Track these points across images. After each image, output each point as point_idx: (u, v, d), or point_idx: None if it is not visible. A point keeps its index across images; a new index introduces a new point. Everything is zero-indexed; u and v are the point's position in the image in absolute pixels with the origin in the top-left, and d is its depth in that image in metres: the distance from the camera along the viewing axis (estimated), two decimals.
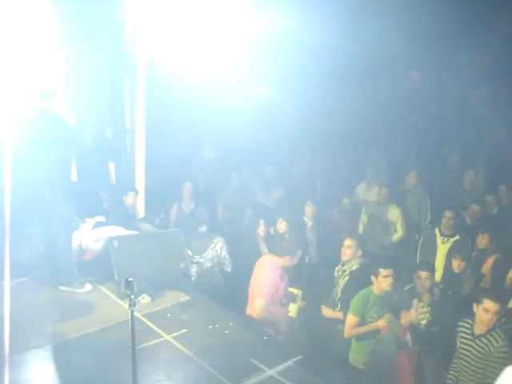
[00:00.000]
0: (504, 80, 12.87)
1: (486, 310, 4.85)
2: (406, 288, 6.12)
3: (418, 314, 5.23)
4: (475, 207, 7.91)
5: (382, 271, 5.69)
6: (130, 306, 3.48)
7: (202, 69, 8.73)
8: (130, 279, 3.41)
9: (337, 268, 6.35)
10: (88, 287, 6.36)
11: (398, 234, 8.27)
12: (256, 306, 5.80)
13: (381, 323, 5.46)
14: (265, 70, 10.53)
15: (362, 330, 5.64)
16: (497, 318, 4.89)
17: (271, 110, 11.22)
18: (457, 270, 6.66)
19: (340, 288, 6.14)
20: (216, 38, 8.28)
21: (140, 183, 8.28)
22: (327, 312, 6.21)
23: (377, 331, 5.45)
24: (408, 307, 5.16)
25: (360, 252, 6.26)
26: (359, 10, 10.58)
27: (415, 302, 5.21)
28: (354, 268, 6.19)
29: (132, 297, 3.44)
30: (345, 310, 5.87)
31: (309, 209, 8.12)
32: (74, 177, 7.88)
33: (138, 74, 8.15)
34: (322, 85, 11.29)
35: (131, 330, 3.38)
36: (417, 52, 12.36)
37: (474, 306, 4.95)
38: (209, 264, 6.96)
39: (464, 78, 12.98)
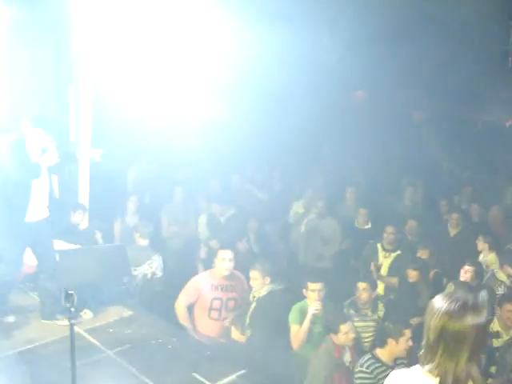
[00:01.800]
0: (445, 100, 13.32)
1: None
2: (347, 302, 6.23)
3: (350, 336, 5.18)
4: (412, 223, 8.11)
5: (310, 285, 5.71)
6: (69, 319, 3.37)
7: (148, 81, 8.70)
8: (69, 292, 3.29)
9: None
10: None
11: (335, 246, 8.39)
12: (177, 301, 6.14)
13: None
14: (213, 84, 10.56)
15: (302, 331, 5.59)
16: None
17: (219, 123, 11.25)
18: (411, 280, 6.75)
19: (248, 314, 5.92)
20: (164, 50, 8.28)
21: (84, 196, 8.14)
22: (235, 334, 5.98)
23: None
24: (336, 331, 5.17)
25: (268, 279, 5.98)
26: (311, 28, 10.72)
27: (345, 325, 5.19)
28: (262, 295, 5.92)
29: (72, 309, 3.34)
30: (252, 336, 5.77)
31: (252, 223, 8.25)
32: None
33: (82, 86, 8.04)
34: (268, 101, 11.41)
35: (71, 344, 3.28)
36: (362, 71, 12.63)
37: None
38: (140, 278, 6.94)
39: (407, 98, 13.35)
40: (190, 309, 6.23)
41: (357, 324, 5.68)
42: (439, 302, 2.34)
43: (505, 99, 12.17)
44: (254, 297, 6.00)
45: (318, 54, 11.51)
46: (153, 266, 6.96)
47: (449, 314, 2.29)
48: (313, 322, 5.60)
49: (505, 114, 13.82)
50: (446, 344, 2.29)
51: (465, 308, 2.29)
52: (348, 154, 11.81)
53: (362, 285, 6.08)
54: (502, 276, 6.77)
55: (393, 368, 4.62)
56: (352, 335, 5.21)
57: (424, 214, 8.77)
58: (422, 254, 7.35)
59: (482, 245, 7.33)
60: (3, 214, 5.62)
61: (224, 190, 9.59)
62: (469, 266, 6.45)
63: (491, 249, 7.24)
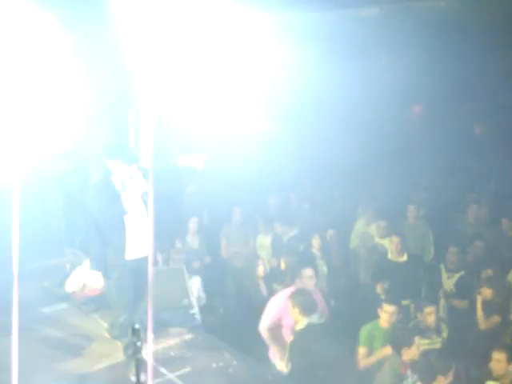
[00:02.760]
0: (507, 112, 12.96)
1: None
2: (410, 324, 6.12)
3: (419, 351, 5.15)
4: (478, 243, 7.86)
5: (386, 307, 5.77)
6: (134, 353, 3.25)
7: (206, 101, 8.82)
8: (136, 326, 3.17)
9: None
10: None
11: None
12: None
13: (386, 350, 5.44)
14: (272, 103, 10.62)
15: (372, 359, 5.65)
16: None
17: (276, 142, 11.27)
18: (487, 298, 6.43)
19: (287, 347, 5.73)
20: (223, 73, 8.38)
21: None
22: (280, 365, 5.81)
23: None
24: (409, 344, 5.14)
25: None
26: (361, 47, 10.67)
27: (417, 339, 5.18)
28: (299, 328, 5.66)
29: (138, 344, 3.21)
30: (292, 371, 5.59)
31: (315, 241, 8.06)
32: None
33: (142, 109, 8.22)
34: (323, 120, 11.37)
35: (136, 379, 3.19)
36: (418, 86, 12.44)
37: None
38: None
39: (467, 112, 13.05)
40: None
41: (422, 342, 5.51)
42: None
43: None
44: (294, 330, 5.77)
45: (375, 70, 11.44)
46: (193, 290, 6.94)
47: None
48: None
49: None
50: None
51: None
52: (408, 170, 11.60)
53: (428, 309, 5.99)
54: None
55: None
56: (422, 349, 5.17)
57: (488, 232, 8.48)
58: (487, 273, 7.10)
59: None
60: (102, 255, 5.37)
61: (283, 210, 9.54)
62: None
63: None
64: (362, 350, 5.77)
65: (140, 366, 3.13)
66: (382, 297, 6.72)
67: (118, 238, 5.29)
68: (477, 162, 11.28)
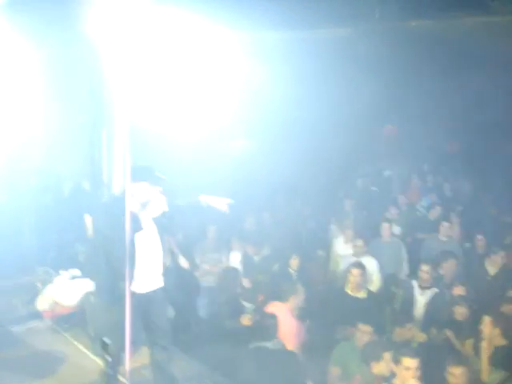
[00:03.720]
0: (478, 133, 13.18)
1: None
2: (384, 338, 6.13)
3: (388, 366, 5.13)
4: (452, 262, 7.93)
5: (362, 327, 5.78)
6: (106, 367, 3.22)
7: (181, 121, 8.81)
8: (106, 341, 3.15)
9: None
10: None
11: (375, 285, 8.25)
12: None
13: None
14: (242, 122, 10.66)
15: None
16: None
17: (248, 161, 11.30)
18: (460, 318, 6.50)
19: None
20: (197, 92, 8.40)
21: None
22: None
23: None
24: (378, 359, 5.14)
25: None
26: (335, 67, 10.80)
27: (386, 354, 5.17)
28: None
29: (108, 359, 3.18)
30: None
31: (294, 262, 8.07)
32: None
33: (115, 128, 8.18)
34: (299, 137, 11.45)
35: None
36: (392, 105, 12.63)
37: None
38: None
39: (439, 131, 13.24)
40: None
41: None
42: None
43: None
44: None
45: (349, 90, 11.57)
46: None
47: None
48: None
49: None
50: None
51: None
52: (381, 188, 11.72)
53: (408, 325, 6.16)
54: None
55: None
56: (392, 365, 5.12)
57: (460, 250, 8.58)
58: (458, 290, 7.17)
59: None
60: (106, 284, 4.77)
61: (258, 228, 9.53)
62: None
63: None
64: (334, 370, 5.72)
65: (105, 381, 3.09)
66: None
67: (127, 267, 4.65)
68: (448, 180, 11.44)
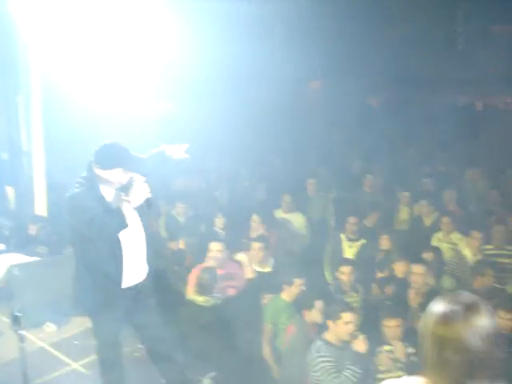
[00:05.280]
0: (401, 87, 13.45)
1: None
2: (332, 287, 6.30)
3: (319, 314, 5.26)
4: (375, 214, 8.15)
5: (297, 281, 5.81)
6: (20, 341, 3.14)
7: (101, 85, 8.56)
8: (17, 314, 3.06)
9: None
10: None
11: (304, 239, 8.39)
12: None
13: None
14: (167, 85, 10.47)
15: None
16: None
17: (173, 123, 11.15)
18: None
19: None
20: (117, 53, 8.16)
21: (41, 207, 8.00)
22: None
23: None
24: (310, 307, 5.28)
25: None
26: (257, 24, 10.72)
27: (318, 302, 5.30)
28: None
29: (20, 332, 3.09)
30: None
31: (219, 221, 7.96)
32: None
33: (32, 95, 7.90)
34: (221, 98, 11.38)
35: (22, 367, 3.09)
36: (315, 62, 12.69)
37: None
38: None
39: (363, 85, 13.43)
40: None
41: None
42: (435, 306, 2.13)
43: (456, 80, 12.35)
44: None
45: (271, 48, 11.54)
46: None
47: (442, 319, 2.08)
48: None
49: (458, 95, 14.03)
50: (439, 354, 2.07)
51: (459, 312, 2.06)
52: (307, 144, 11.83)
53: (346, 269, 6.25)
54: (467, 253, 7.00)
55: (343, 350, 4.84)
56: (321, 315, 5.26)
57: (384, 202, 8.80)
58: (384, 240, 7.39)
59: (445, 225, 7.49)
60: (90, 284, 4.30)
61: (185, 191, 9.45)
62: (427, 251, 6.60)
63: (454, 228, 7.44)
64: (267, 328, 5.77)
65: (24, 356, 3.05)
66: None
67: (112, 263, 4.26)
68: (371, 134, 11.64)
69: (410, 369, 4.92)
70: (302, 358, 5.04)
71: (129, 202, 4.06)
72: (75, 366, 5.30)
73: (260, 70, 11.34)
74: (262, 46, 11.29)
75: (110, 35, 7.87)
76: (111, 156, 4.17)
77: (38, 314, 5.90)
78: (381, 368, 5.02)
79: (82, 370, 5.24)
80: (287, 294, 5.82)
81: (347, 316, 4.92)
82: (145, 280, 4.50)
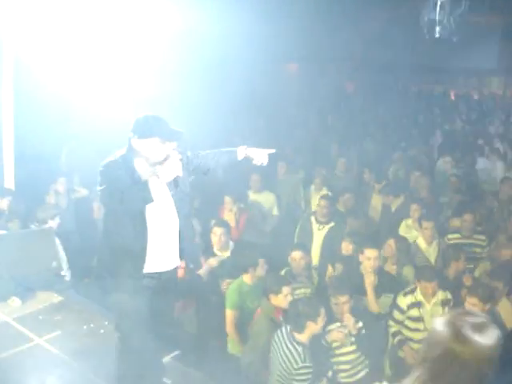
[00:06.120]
0: (375, 70, 13.49)
1: None
2: (283, 272, 6.29)
3: (286, 298, 5.28)
4: (348, 196, 8.21)
5: (261, 261, 5.81)
6: None
7: (73, 62, 8.42)
8: None
9: None
10: None
11: (274, 220, 8.40)
12: None
13: None
14: (142, 65, 10.33)
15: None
16: None
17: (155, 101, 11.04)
18: (346, 253, 6.70)
19: None
20: (89, 31, 8.01)
21: (9, 180, 7.88)
22: None
23: None
24: (277, 292, 5.28)
25: None
26: (233, 4, 10.62)
27: (285, 288, 5.31)
28: None
29: None
30: None
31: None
32: None
33: (2, 68, 7.74)
34: (199, 77, 11.30)
35: None
36: (294, 44, 12.64)
37: None
38: None
39: (339, 69, 13.47)
40: None
41: (296, 291, 5.78)
42: (452, 319, 2.21)
43: (431, 68, 12.43)
44: None
45: (248, 29, 11.43)
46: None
47: (459, 336, 2.14)
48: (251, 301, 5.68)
49: (433, 83, 14.12)
50: (447, 368, 2.16)
51: (476, 331, 2.15)
52: (280, 126, 11.81)
53: (297, 254, 6.22)
54: (420, 242, 7.09)
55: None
56: (290, 298, 5.28)
57: (356, 185, 8.86)
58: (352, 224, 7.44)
59: (414, 211, 7.55)
60: (110, 261, 4.11)
61: None
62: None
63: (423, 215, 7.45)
64: (230, 313, 5.66)
65: None
66: None
67: (135, 241, 4.02)
68: (346, 117, 11.71)
69: (361, 342, 5.19)
70: (267, 343, 5.07)
71: (158, 176, 3.91)
72: (39, 341, 5.26)
73: (235, 51, 11.26)
74: (238, 27, 11.19)
75: (87, 21, 7.73)
76: (149, 124, 3.98)
77: (2, 288, 5.84)
78: (334, 345, 5.21)
79: (47, 345, 5.19)
80: (249, 277, 5.76)
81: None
82: (172, 271, 4.27)
